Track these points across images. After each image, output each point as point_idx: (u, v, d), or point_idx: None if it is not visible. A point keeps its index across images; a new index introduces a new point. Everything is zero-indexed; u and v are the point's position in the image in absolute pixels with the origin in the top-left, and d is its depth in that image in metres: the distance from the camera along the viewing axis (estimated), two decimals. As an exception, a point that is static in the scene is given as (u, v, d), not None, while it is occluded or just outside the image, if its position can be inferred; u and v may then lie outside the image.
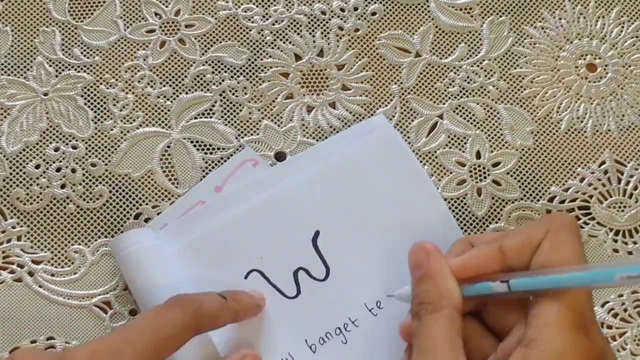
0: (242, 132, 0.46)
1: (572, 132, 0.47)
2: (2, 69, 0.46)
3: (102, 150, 0.45)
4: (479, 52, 0.48)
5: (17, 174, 0.45)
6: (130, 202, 0.45)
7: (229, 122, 0.46)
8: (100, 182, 0.45)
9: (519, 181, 0.46)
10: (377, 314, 0.42)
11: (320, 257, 0.42)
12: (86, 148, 0.45)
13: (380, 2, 0.49)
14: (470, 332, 0.37)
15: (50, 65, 0.46)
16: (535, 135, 0.47)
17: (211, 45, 0.47)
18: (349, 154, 0.44)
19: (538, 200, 0.46)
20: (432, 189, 0.45)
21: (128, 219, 0.44)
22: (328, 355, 0.41)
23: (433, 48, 0.48)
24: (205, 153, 0.46)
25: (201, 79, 0.47)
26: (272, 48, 0.47)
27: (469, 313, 0.37)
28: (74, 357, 0.31)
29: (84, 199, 0.45)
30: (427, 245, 0.37)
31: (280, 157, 0.46)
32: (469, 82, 0.48)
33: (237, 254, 0.42)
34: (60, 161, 0.45)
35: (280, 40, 0.48)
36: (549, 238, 0.35)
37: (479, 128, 0.47)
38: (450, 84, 0.47)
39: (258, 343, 0.40)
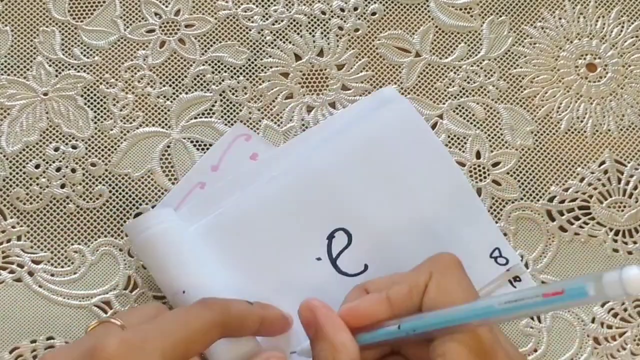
0: (242, 132, 0.46)
1: (572, 132, 0.47)
2: (2, 69, 0.46)
3: (102, 150, 0.45)
4: (479, 52, 0.48)
5: (17, 173, 0.45)
6: (130, 202, 0.45)
7: (229, 122, 0.46)
8: (100, 182, 0.45)
9: (519, 181, 0.46)
10: None
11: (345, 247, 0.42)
12: (86, 148, 0.45)
13: (380, 2, 0.49)
14: None
15: (50, 65, 0.46)
16: (535, 135, 0.47)
17: (211, 45, 0.47)
18: (368, 132, 0.44)
19: (538, 200, 0.46)
20: (450, 161, 0.44)
21: (128, 218, 0.44)
22: None
23: (433, 48, 0.48)
24: (205, 153, 0.46)
25: (201, 78, 0.47)
26: (272, 48, 0.47)
27: (392, 353, 0.38)
28: (103, 346, 0.32)
29: (84, 199, 0.45)
30: (312, 303, 0.37)
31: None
32: (468, 82, 0.48)
33: (260, 235, 0.42)
34: (60, 161, 0.45)
35: (280, 40, 0.48)
36: (433, 280, 0.36)
37: (478, 128, 0.47)
38: (450, 84, 0.47)
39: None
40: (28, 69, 0.46)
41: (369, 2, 0.48)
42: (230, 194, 0.43)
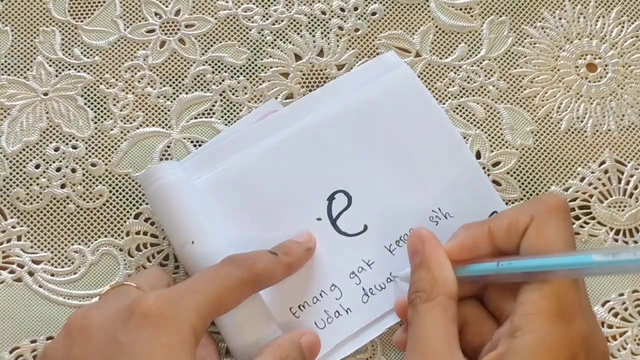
0: (242, 132, 0.46)
1: (572, 132, 0.47)
2: (2, 69, 0.46)
3: (102, 150, 0.45)
4: (479, 52, 0.48)
5: (17, 173, 0.45)
6: (130, 202, 0.45)
7: (229, 122, 0.46)
8: (100, 182, 0.45)
9: (519, 181, 0.46)
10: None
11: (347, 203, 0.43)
12: (86, 148, 0.45)
13: (380, 2, 0.49)
14: (471, 318, 0.37)
15: (50, 65, 0.46)
16: (535, 135, 0.47)
17: (211, 45, 0.47)
18: (369, 96, 0.45)
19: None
20: (449, 125, 0.45)
21: (128, 219, 0.44)
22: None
23: (433, 48, 0.48)
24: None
25: (201, 79, 0.47)
26: (272, 48, 0.47)
27: (471, 297, 0.38)
28: (142, 300, 0.33)
29: (84, 199, 0.45)
30: (423, 233, 0.38)
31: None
32: (469, 82, 0.48)
33: (262, 194, 0.43)
34: (60, 161, 0.45)
35: (280, 40, 0.48)
36: (533, 224, 0.35)
37: (479, 128, 0.47)
38: (450, 84, 0.47)
39: (302, 277, 0.41)
40: (28, 69, 0.46)
41: (369, 2, 0.48)
42: (233, 152, 0.43)
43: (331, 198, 0.43)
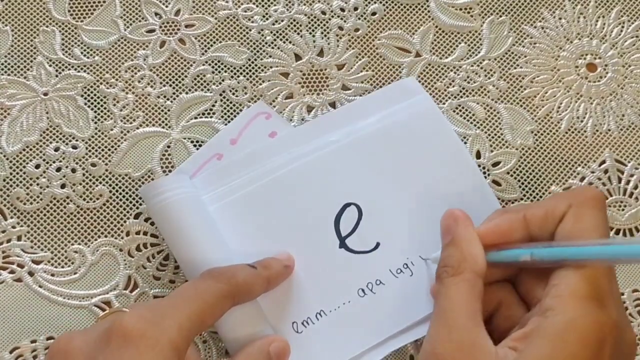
0: (242, 132, 0.46)
1: (572, 132, 0.47)
2: (2, 69, 0.46)
3: (102, 150, 0.45)
4: (479, 52, 0.48)
5: (17, 173, 0.45)
6: (130, 202, 0.45)
7: (229, 122, 0.46)
8: (100, 182, 0.45)
9: (519, 181, 0.46)
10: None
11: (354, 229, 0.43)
12: (86, 148, 0.45)
13: (380, 2, 0.49)
14: (503, 301, 0.38)
15: (50, 65, 0.46)
16: (536, 134, 0.47)
17: (211, 45, 0.47)
18: (387, 124, 0.44)
19: (538, 200, 0.46)
20: (469, 159, 0.44)
21: (128, 219, 0.44)
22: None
23: (433, 48, 0.48)
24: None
25: (201, 78, 0.47)
26: (272, 48, 0.47)
27: (504, 281, 0.38)
28: (122, 321, 0.32)
29: (84, 199, 0.45)
30: (456, 212, 0.38)
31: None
32: (469, 82, 0.48)
33: (272, 212, 0.42)
34: (60, 161, 0.45)
35: (280, 40, 0.48)
36: (571, 212, 0.36)
37: (479, 128, 0.47)
38: (450, 84, 0.47)
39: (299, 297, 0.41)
40: (28, 69, 0.46)
41: (369, 2, 0.48)
42: (245, 168, 0.43)
43: (341, 213, 0.43)
